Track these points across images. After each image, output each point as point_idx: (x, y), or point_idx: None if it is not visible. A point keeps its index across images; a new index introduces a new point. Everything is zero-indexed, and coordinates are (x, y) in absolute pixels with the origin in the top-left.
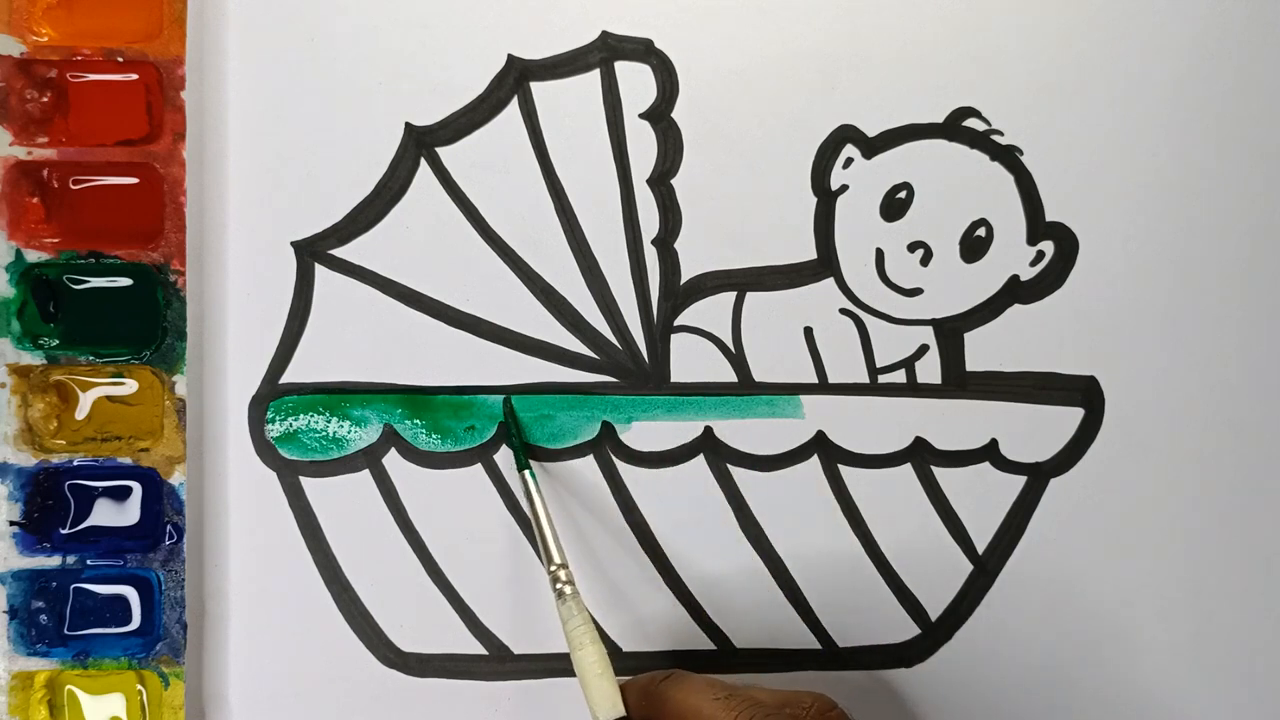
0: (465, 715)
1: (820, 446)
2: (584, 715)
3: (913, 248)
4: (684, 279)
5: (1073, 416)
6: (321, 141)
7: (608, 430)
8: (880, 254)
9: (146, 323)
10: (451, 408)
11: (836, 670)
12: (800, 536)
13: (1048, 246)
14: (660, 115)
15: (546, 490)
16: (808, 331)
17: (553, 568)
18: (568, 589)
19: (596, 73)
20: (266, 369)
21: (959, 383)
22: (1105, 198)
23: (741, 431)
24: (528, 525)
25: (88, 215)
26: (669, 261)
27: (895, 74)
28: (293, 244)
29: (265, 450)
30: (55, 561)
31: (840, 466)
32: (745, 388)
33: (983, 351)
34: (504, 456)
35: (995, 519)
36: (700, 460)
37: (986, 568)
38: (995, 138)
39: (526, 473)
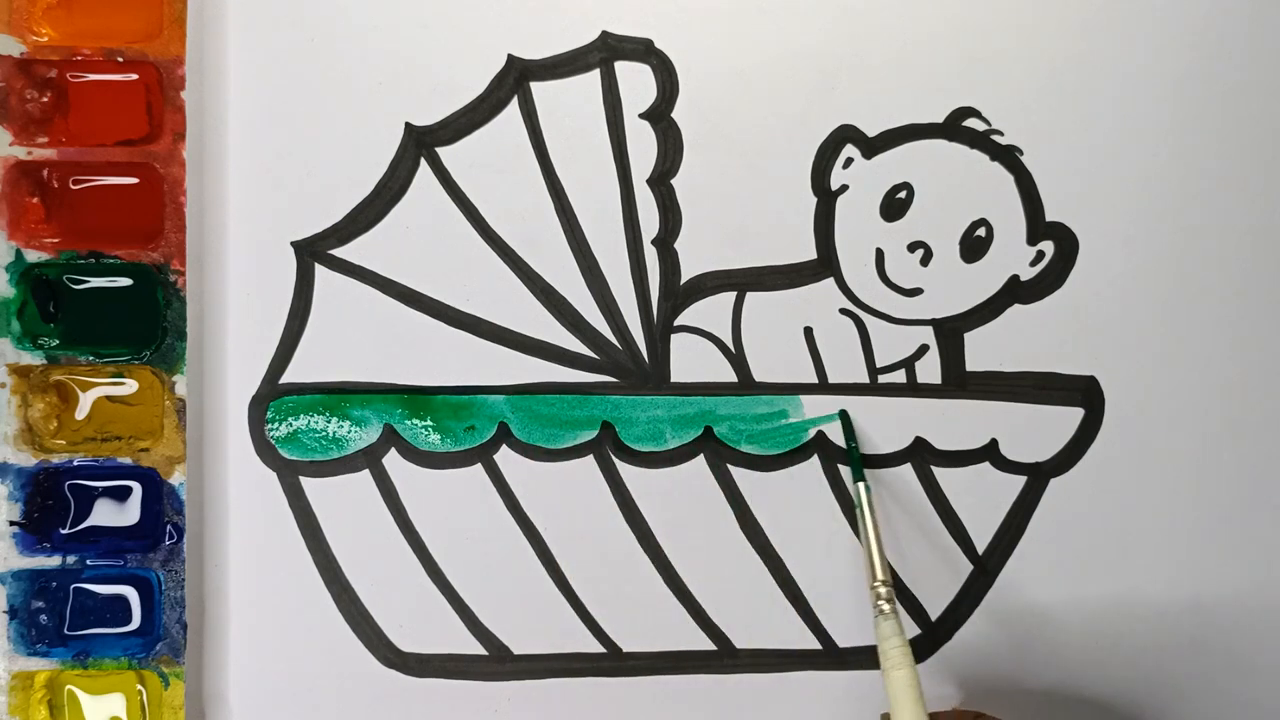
0: (465, 715)
1: (820, 446)
2: (584, 715)
3: (913, 248)
4: (684, 279)
5: (1073, 416)
6: (321, 141)
7: (608, 430)
8: (880, 254)
9: (146, 323)
10: (451, 408)
11: (836, 670)
12: (800, 536)
13: (1048, 246)
14: (660, 115)
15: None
16: (808, 331)
17: (875, 584)
18: (887, 606)
19: (596, 73)
20: (266, 369)
21: (959, 383)
22: (1105, 198)
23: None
24: (528, 525)
25: (88, 215)
26: (669, 261)
27: (895, 74)
28: (293, 244)
29: (265, 450)
30: (55, 561)
31: (840, 466)
32: (745, 388)
33: (983, 351)
34: (504, 457)
35: (995, 519)
36: (700, 460)
37: (986, 568)
38: (995, 138)
39: (861, 485)
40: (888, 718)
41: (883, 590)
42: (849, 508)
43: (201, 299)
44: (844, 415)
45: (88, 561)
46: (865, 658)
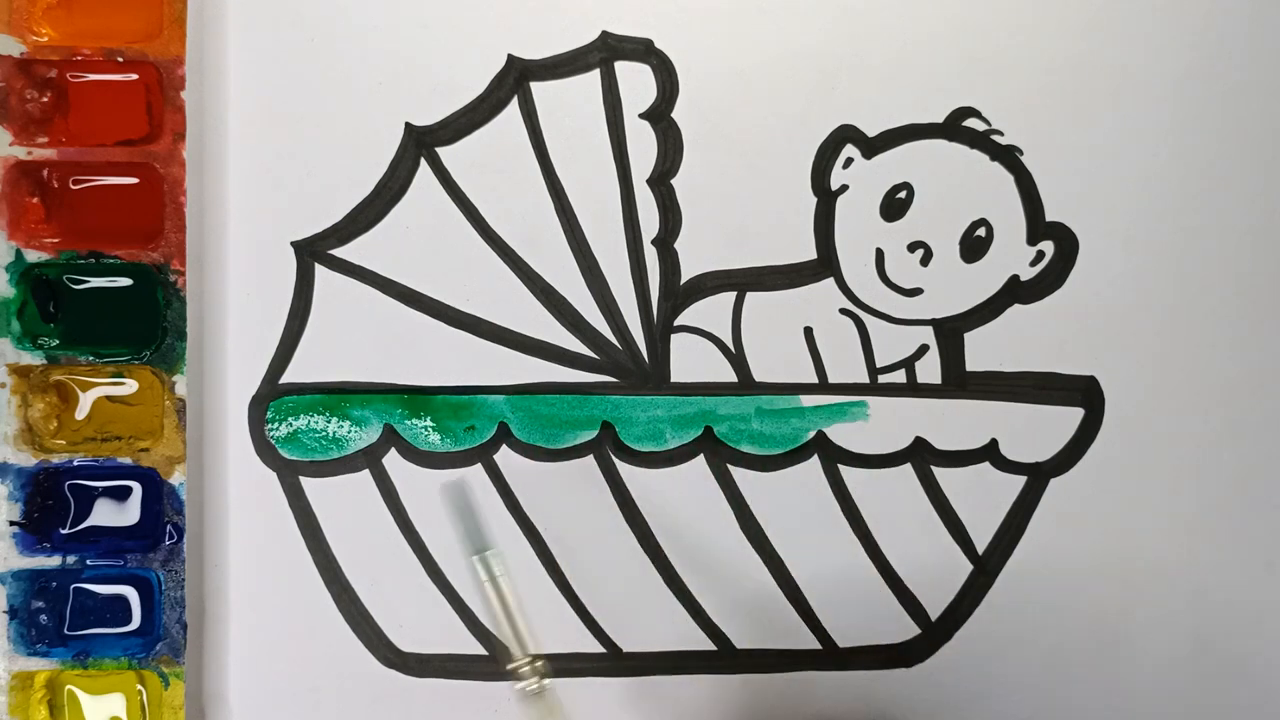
0: (465, 715)
1: (820, 446)
2: (584, 715)
3: (913, 248)
4: (684, 279)
5: (1073, 416)
6: (321, 141)
7: (608, 430)
8: (880, 254)
9: (146, 323)
10: (451, 408)
11: (836, 670)
12: (800, 536)
13: (1048, 246)
14: (660, 115)
15: (543, 502)
16: (808, 331)
17: (521, 662)
18: (546, 682)
19: (596, 73)
20: (266, 369)
21: (959, 383)
22: (1105, 198)
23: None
24: (528, 525)
25: (88, 215)
26: (669, 261)
27: (895, 74)
28: (293, 244)
29: (265, 450)
30: (55, 561)
31: (840, 466)
32: (745, 388)
33: (983, 351)
34: (504, 457)
35: (995, 519)
36: (700, 460)
37: (986, 568)
38: (995, 138)
39: (487, 554)
40: None
41: (536, 666)
42: (849, 507)
43: (201, 299)
44: (455, 488)
45: (88, 561)
46: (865, 658)
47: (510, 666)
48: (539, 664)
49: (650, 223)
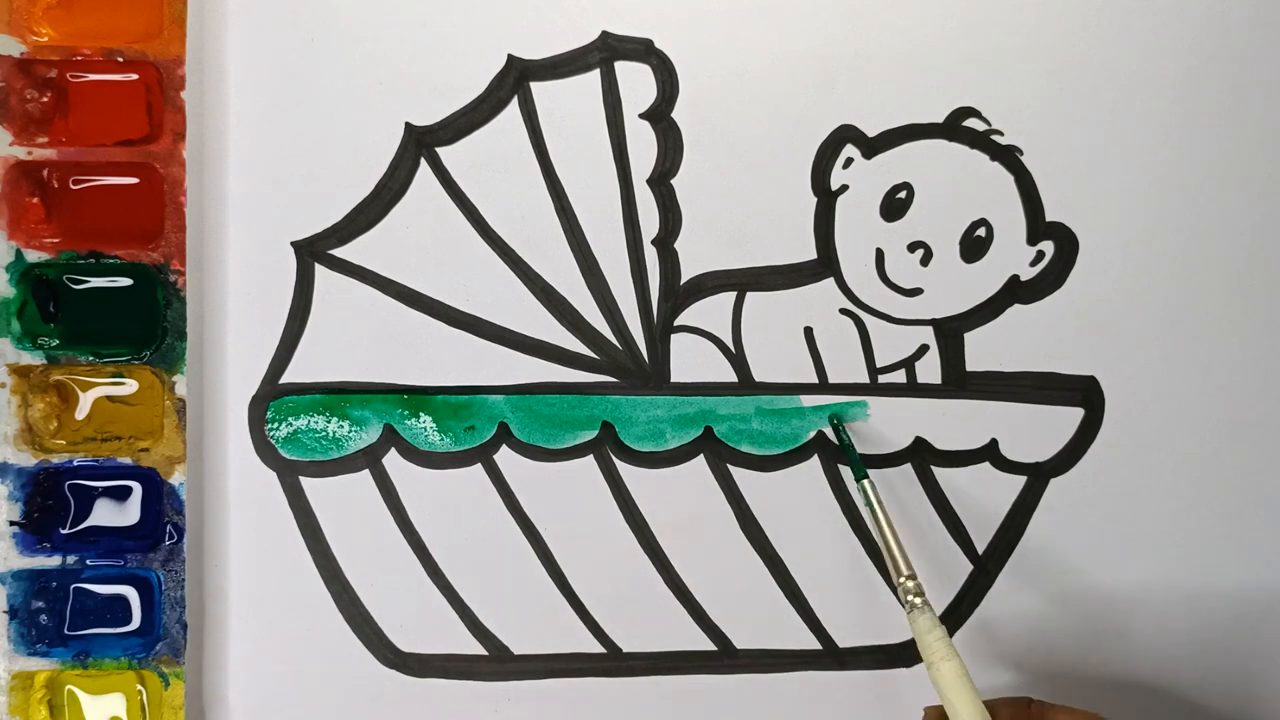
0: (465, 715)
1: (820, 446)
2: (584, 715)
3: (913, 248)
4: (684, 279)
5: (1073, 416)
6: (321, 141)
7: (608, 430)
8: (880, 254)
9: (146, 323)
10: (451, 408)
11: (836, 670)
12: (800, 536)
13: (1048, 246)
14: (660, 115)
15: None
16: (808, 331)
17: (901, 579)
18: (918, 600)
19: (596, 73)
20: (266, 369)
21: (959, 383)
22: (1105, 198)
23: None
24: (528, 525)
25: (88, 215)
26: (669, 261)
27: (895, 74)
28: (293, 244)
29: (265, 450)
30: (55, 561)
31: (840, 466)
32: (745, 388)
33: (983, 351)
34: (504, 457)
35: (995, 519)
36: (700, 460)
37: (986, 568)
38: (995, 138)
39: (865, 482)
40: (934, 711)
41: (910, 584)
42: (849, 507)
43: (201, 299)
44: (835, 420)
45: (88, 561)
46: (865, 658)
47: (897, 581)
48: (917, 582)
49: (650, 223)
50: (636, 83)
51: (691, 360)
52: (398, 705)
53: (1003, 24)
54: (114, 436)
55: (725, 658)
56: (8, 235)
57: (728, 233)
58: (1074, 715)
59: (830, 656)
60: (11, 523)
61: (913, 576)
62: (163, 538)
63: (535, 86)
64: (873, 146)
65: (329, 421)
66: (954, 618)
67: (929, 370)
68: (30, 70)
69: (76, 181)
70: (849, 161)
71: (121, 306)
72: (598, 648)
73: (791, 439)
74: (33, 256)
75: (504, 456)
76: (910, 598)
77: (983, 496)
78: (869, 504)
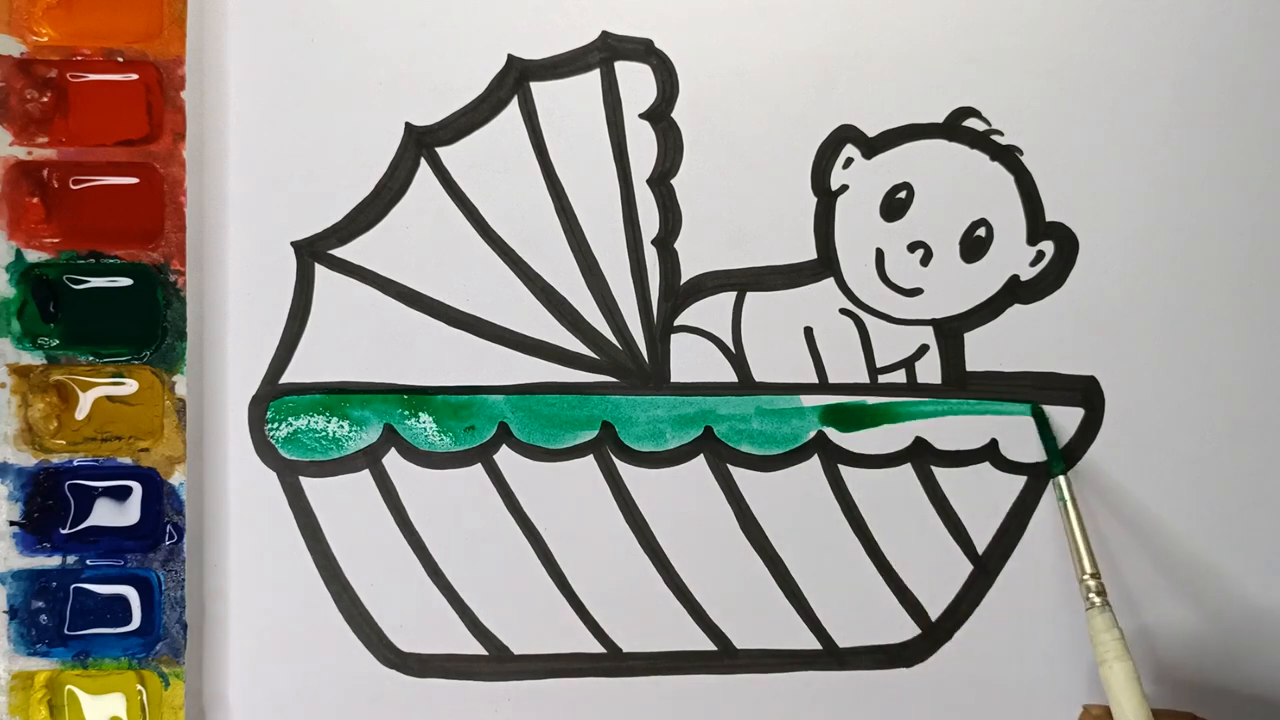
0: (465, 715)
1: (820, 446)
2: (584, 715)
3: (913, 248)
4: (684, 279)
5: (1073, 416)
6: (321, 141)
7: (608, 430)
8: (880, 254)
9: (146, 323)
10: (451, 408)
11: (836, 670)
12: (800, 536)
13: (1048, 246)
14: (660, 115)
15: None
16: (808, 331)
17: (1085, 576)
18: (1098, 600)
19: (596, 73)
20: (266, 369)
21: (959, 383)
22: (1105, 198)
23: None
24: (528, 525)
25: (88, 215)
26: (669, 261)
27: (895, 74)
28: (293, 244)
29: (265, 450)
30: (55, 561)
31: (840, 466)
32: (745, 388)
33: (983, 351)
34: (504, 457)
35: (995, 519)
36: (700, 460)
37: (986, 568)
38: (995, 138)
39: (1062, 478)
40: (1094, 710)
41: (1092, 583)
42: (849, 507)
43: (201, 299)
44: (1038, 411)
45: (88, 561)
46: (865, 658)
47: (1080, 579)
48: (1099, 582)
49: (650, 223)
50: (636, 83)
51: (691, 360)
52: (398, 705)
53: (1003, 24)
54: (114, 436)
55: (725, 658)
56: (8, 235)
57: (728, 233)
58: None
59: (830, 656)
60: (11, 523)
61: (1096, 575)
62: (163, 538)
63: (535, 86)
64: (873, 146)
65: (329, 421)
66: (954, 618)
67: (929, 370)
68: (30, 70)
69: (76, 181)
70: (849, 161)
71: (121, 306)
72: (598, 648)
73: (791, 439)
74: (33, 256)
75: (504, 456)
76: (1091, 595)
77: (983, 496)
78: (1061, 499)
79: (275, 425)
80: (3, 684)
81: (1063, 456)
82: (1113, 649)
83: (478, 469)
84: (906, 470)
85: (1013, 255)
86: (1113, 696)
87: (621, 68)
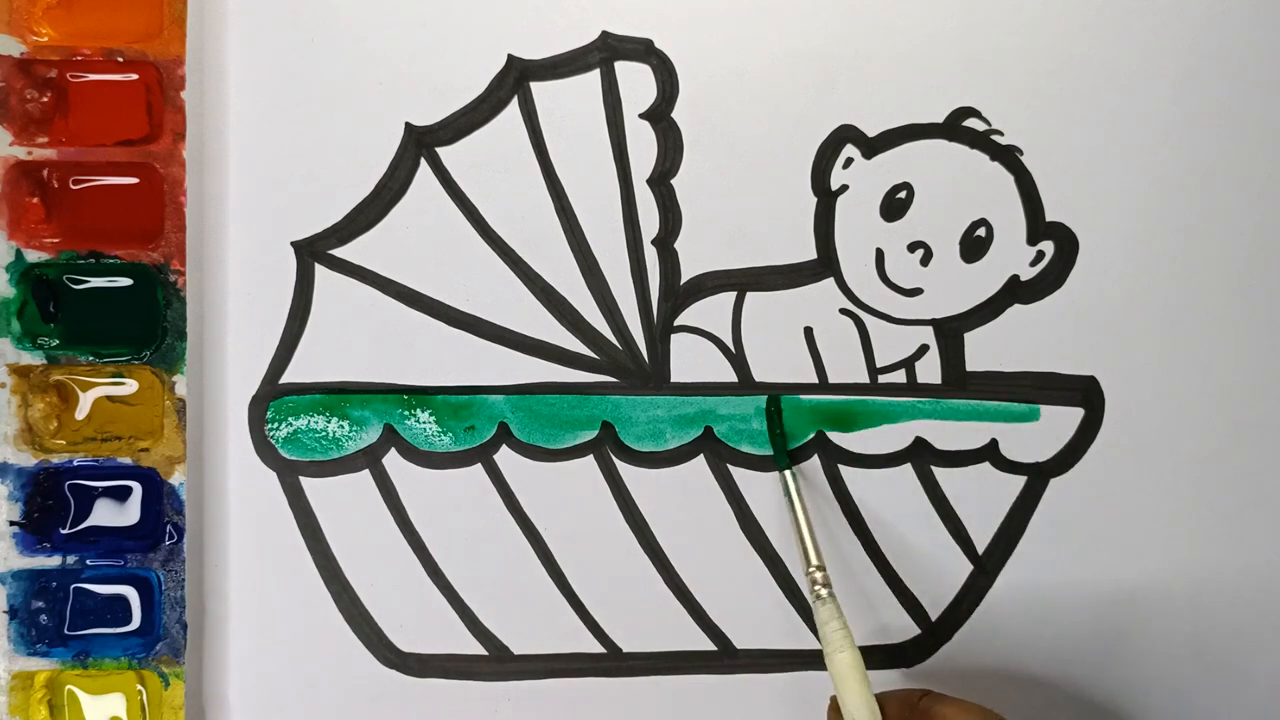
0: (465, 715)
1: (820, 446)
2: (584, 715)
3: (913, 248)
4: (684, 279)
5: (1073, 416)
6: (321, 141)
7: (608, 430)
8: (880, 254)
9: (146, 323)
10: (451, 408)
11: None
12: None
13: (1048, 246)
14: (660, 115)
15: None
16: (808, 331)
17: (810, 569)
18: (824, 591)
19: (596, 73)
20: (266, 369)
21: (959, 383)
22: (1105, 198)
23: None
24: (528, 525)
25: (88, 215)
26: (669, 261)
27: (895, 74)
28: (293, 244)
29: (265, 450)
30: (55, 561)
31: (840, 466)
32: (745, 388)
33: (983, 351)
34: (504, 457)
35: (995, 519)
36: (700, 460)
37: (986, 568)
38: (995, 138)
39: (786, 472)
40: (834, 701)
41: (818, 575)
42: (849, 507)
43: (201, 299)
44: (772, 401)
45: (88, 561)
46: (865, 658)
47: (806, 571)
48: (825, 573)
49: (650, 223)
50: (636, 83)
51: (691, 360)
52: (398, 705)
53: (1003, 24)
54: (114, 436)
55: (725, 658)
56: (8, 235)
57: (728, 233)
58: (964, 708)
59: None
60: (11, 523)
61: (821, 568)
62: (163, 538)
63: (535, 86)
64: (873, 146)
65: (329, 421)
66: (954, 618)
67: (929, 370)
68: (30, 70)
69: (76, 181)
70: (849, 161)
71: (121, 306)
72: (598, 648)
73: (791, 439)
74: (33, 256)
75: (504, 456)
76: (817, 588)
77: (983, 496)
78: (786, 494)
79: (275, 425)
80: (3, 684)
81: (787, 452)
82: (835, 640)
83: (478, 469)
84: (906, 470)
85: (1013, 255)
86: (837, 687)
87: (621, 68)
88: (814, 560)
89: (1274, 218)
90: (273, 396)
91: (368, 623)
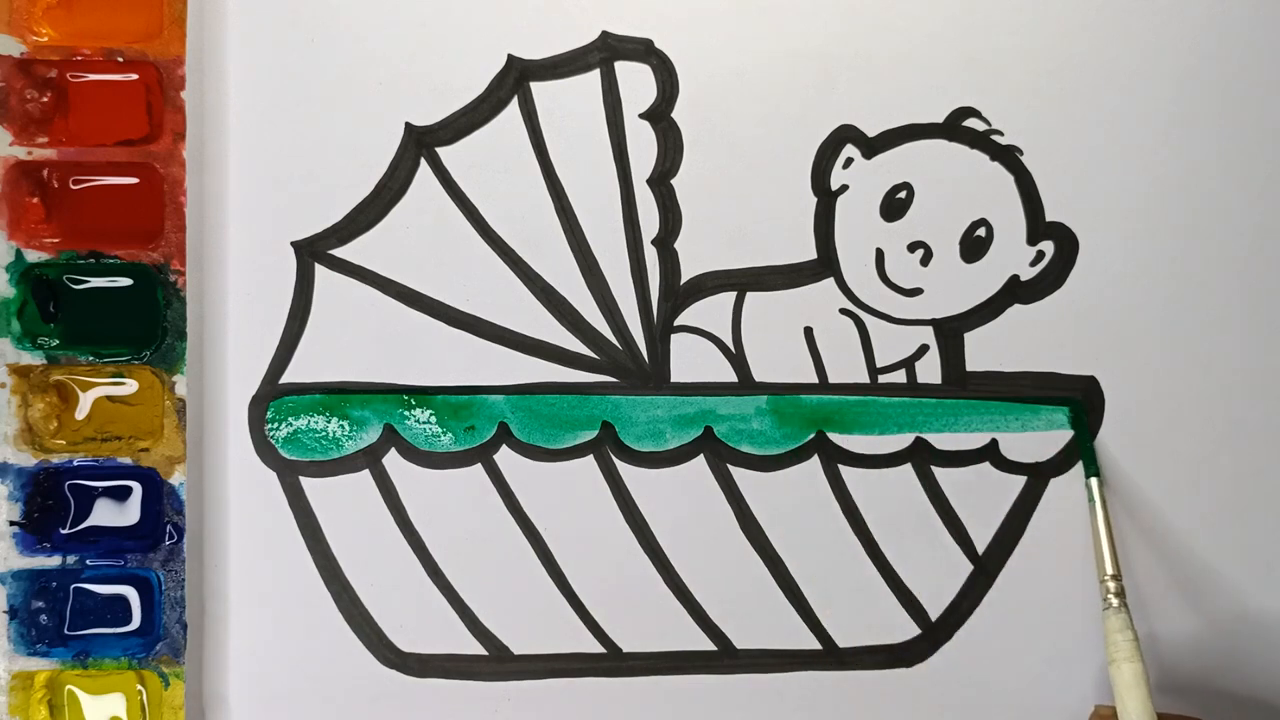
0: (465, 715)
1: (820, 446)
2: (584, 715)
3: (913, 248)
4: (684, 279)
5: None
6: (321, 141)
7: (608, 430)
8: (880, 254)
9: (146, 323)
10: (451, 408)
11: (836, 670)
12: (800, 536)
13: (1048, 246)
14: (660, 115)
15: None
16: (808, 331)
17: (1106, 577)
18: (1116, 601)
19: (596, 73)
20: (266, 369)
21: (959, 383)
22: (1105, 198)
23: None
24: (528, 525)
25: (88, 215)
26: (669, 261)
27: (895, 74)
28: (293, 244)
29: (265, 450)
30: (55, 561)
31: (840, 466)
32: (745, 388)
33: (983, 351)
34: (504, 457)
35: (995, 519)
36: (700, 460)
37: (986, 568)
38: (995, 138)
39: (1094, 479)
40: (1103, 710)
41: (1112, 585)
42: (849, 507)
43: (201, 299)
44: (1076, 412)
45: (88, 561)
46: (865, 658)
47: (1102, 579)
48: (1120, 583)
49: (650, 223)
50: (636, 83)
51: (691, 360)
52: (398, 705)
53: (1003, 24)
54: (114, 436)
55: (725, 658)
56: (8, 235)
57: (728, 233)
58: None
59: (830, 656)
60: (11, 523)
61: (1117, 577)
62: (163, 538)
63: (535, 86)
64: (873, 146)
65: (329, 421)
66: (954, 618)
67: (929, 370)
68: (30, 70)
69: (76, 181)
70: (849, 161)
71: (121, 306)
72: (598, 648)
73: (791, 439)
74: (33, 256)
75: (504, 456)
76: (1109, 596)
77: (983, 496)
78: (1091, 500)
79: (275, 425)
80: (3, 684)
81: (1096, 459)
82: (1124, 649)
83: (478, 469)
84: (906, 470)
85: (1013, 255)
86: (1119, 696)
87: (621, 68)
88: (1109, 569)
89: (1274, 218)
90: (273, 396)
91: (368, 623)
